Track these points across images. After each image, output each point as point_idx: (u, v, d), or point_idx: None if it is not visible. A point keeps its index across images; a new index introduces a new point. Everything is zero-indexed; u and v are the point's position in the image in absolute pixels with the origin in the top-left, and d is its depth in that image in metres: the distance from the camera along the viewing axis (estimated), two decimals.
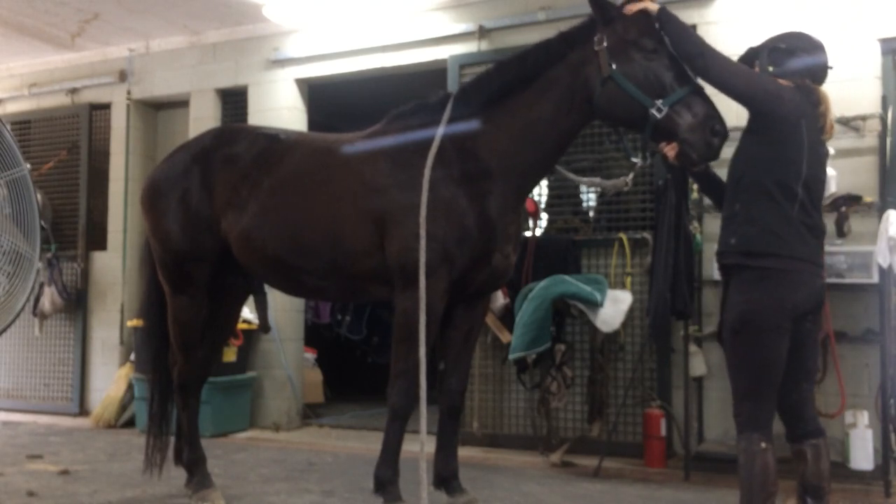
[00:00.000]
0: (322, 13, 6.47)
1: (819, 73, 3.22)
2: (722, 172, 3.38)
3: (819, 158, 3.15)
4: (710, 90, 3.19)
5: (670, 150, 3.19)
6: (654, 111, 3.14)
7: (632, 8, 3.25)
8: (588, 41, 3.31)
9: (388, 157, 3.61)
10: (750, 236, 3.05)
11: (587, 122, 3.57)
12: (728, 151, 3.22)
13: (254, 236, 3.79)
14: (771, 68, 3.18)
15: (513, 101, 3.46)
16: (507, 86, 3.47)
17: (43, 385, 7.62)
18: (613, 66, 3.22)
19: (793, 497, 3.56)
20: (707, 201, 5.10)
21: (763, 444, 3.00)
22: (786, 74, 3.16)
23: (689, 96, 3.14)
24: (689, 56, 3.12)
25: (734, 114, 3.45)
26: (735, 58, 3.27)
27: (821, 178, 3.17)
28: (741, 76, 3.09)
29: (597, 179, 4.32)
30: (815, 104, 3.13)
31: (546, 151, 3.50)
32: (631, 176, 3.60)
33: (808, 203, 3.06)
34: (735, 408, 3.12)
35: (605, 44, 3.24)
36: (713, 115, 3.13)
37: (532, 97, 3.42)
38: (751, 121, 3.15)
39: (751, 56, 3.31)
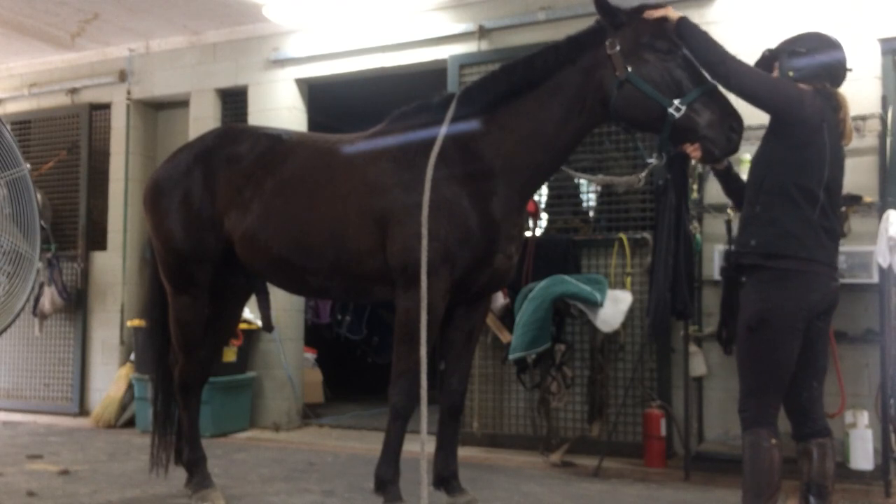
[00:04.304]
0: (322, 13, 6.48)
1: (838, 72, 3.26)
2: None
3: (839, 162, 3.18)
4: (725, 92, 3.23)
5: (694, 151, 3.23)
6: (672, 111, 3.17)
7: (653, 14, 3.28)
8: (599, 44, 3.33)
9: (390, 157, 3.61)
10: (770, 238, 3.09)
11: (597, 125, 3.60)
12: (740, 152, 3.27)
13: (258, 237, 3.79)
14: (791, 73, 3.21)
15: (520, 103, 3.47)
16: (515, 87, 3.47)
17: (43, 385, 7.62)
18: (629, 69, 3.24)
19: (793, 497, 3.56)
20: (707, 201, 5.13)
21: (773, 440, 3.06)
22: (806, 78, 3.19)
23: (705, 94, 3.19)
24: (710, 65, 3.15)
25: (746, 109, 3.46)
26: (738, 57, 3.29)
27: (840, 183, 3.21)
28: (762, 84, 3.12)
29: (609, 177, 4.34)
30: (835, 108, 3.17)
31: (553, 153, 3.50)
32: (644, 174, 3.62)
33: (828, 207, 3.10)
34: (741, 403, 3.16)
35: (618, 47, 3.26)
36: (730, 111, 3.19)
37: (541, 99, 3.43)
38: (773, 124, 3.18)
39: (769, 59, 3.33)
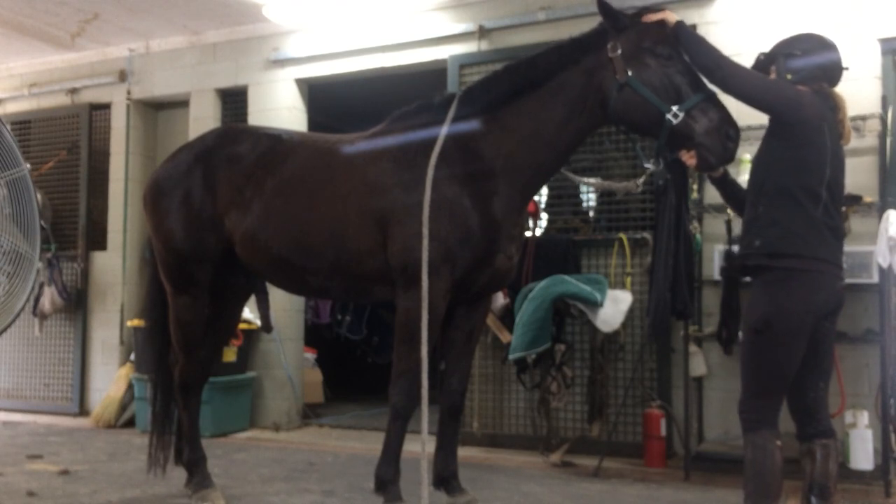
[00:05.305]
0: (322, 13, 6.48)
1: (834, 73, 3.26)
2: (733, 171, 3.42)
3: (840, 162, 3.19)
4: (723, 96, 3.23)
5: (690, 159, 3.24)
6: (670, 116, 3.17)
7: (650, 18, 3.29)
8: (601, 47, 3.33)
9: (391, 157, 3.62)
10: (773, 238, 3.08)
11: (597, 127, 3.60)
12: (740, 152, 3.25)
13: (258, 237, 3.79)
14: (789, 75, 3.21)
15: (521, 103, 3.47)
16: (517, 87, 3.47)
17: (43, 385, 7.62)
18: (629, 73, 3.24)
19: (794, 497, 3.56)
20: (707, 201, 5.12)
21: (778, 442, 3.06)
22: (804, 80, 3.19)
23: (703, 102, 3.19)
24: (707, 69, 3.16)
25: (740, 114, 3.47)
26: (737, 57, 3.29)
27: (841, 182, 3.21)
28: (760, 86, 3.13)
29: (606, 182, 4.34)
30: (833, 109, 3.18)
31: (554, 153, 3.50)
32: (642, 179, 3.63)
33: (830, 206, 3.10)
34: (743, 404, 3.15)
35: (619, 50, 3.27)
36: (727, 119, 3.19)
37: (542, 99, 3.43)
38: (773, 125, 3.19)
39: (765, 62, 3.34)
